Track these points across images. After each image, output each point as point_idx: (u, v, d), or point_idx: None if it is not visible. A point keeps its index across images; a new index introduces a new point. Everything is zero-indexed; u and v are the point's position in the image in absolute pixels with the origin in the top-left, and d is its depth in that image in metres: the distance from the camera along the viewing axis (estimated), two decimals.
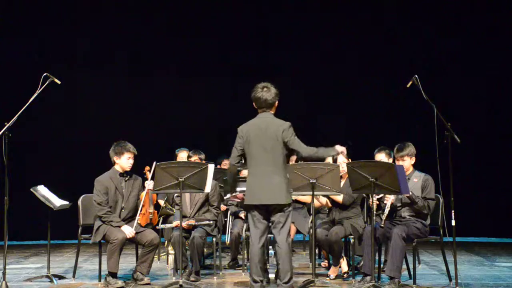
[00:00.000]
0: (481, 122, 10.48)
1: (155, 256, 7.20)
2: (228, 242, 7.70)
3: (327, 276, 6.73)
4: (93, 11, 10.80)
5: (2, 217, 6.22)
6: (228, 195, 7.11)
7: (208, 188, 6.31)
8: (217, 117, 10.86)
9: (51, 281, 6.63)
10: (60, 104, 10.57)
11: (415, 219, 6.24)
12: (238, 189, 6.71)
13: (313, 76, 10.79)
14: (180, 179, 6.11)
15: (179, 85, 10.87)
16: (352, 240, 6.66)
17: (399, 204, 6.29)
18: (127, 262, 7.68)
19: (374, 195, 6.10)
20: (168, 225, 7.01)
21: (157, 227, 7.02)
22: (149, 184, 6.54)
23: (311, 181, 6.23)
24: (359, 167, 5.91)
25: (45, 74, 6.49)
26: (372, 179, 5.82)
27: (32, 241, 10.26)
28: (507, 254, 8.78)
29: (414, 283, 6.20)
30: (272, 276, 6.45)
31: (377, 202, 6.26)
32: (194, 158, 7.37)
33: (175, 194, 6.99)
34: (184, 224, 6.56)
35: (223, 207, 7.83)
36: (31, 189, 6.85)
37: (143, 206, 6.57)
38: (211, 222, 6.80)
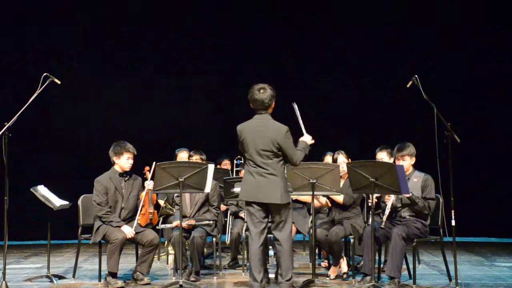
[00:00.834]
0: (481, 122, 10.47)
1: (155, 256, 7.19)
2: (228, 242, 7.70)
3: (327, 276, 6.73)
4: (93, 11, 10.80)
5: (2, 217, 6.22)
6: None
7: (208, 188, 6.31)
8: (217, 117, 10.86)
9: (51, 281, 6.63)
10: (60, 104, 10.57)
11: (415, 219, 6.24)
12: (236, 189, 6.71)
13: (313, 76, 10.78)
14: (180, 179, 6.11)
15: (179, 85, 10.87)
16: (352, 240, 6.67)
17: (399, 205, 6.29)
18: (127, 262, 7.68)
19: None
20: (168, 225, 7.01)
21: (157, 227, 7.02)
22: (149, 184, 6.54)
23: (311, 181, 6.23)
24: (359, 167, 5.92)
25: (45, 74, 6.49)
26: (372, 179, 5.82)
27: (32, 241, 10.26)
28: (507, 254, 8.78)
29: (414, 283, 6.20)
30: (272, 276, 6.45)
31: (376, 200, 6.25)
32: (195, 158, 7.37)
33: (175, 194, 6.99)
34: (184, 224, 6.56)
35: (223, 207, 7.83)
36: (31, 189, 6.85)
37: (143, 206, 6.57)
38: (211, 222, 6.80)
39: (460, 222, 6.37)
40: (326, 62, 10.85)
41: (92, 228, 6.59)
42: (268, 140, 5.54)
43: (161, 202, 7.39)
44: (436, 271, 7.29)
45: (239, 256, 7.51)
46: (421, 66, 10.19)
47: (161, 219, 7.40)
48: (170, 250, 7.36)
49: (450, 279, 6.49)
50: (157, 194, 7.15)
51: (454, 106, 9.73)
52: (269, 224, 5.76)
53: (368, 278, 6.07)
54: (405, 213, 6.28)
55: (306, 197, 7.09)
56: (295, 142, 5.72)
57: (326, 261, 7.43)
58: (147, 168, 6.64)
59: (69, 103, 10.69)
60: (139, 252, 6.78)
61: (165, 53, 10.97)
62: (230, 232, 7.63)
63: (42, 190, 6.87)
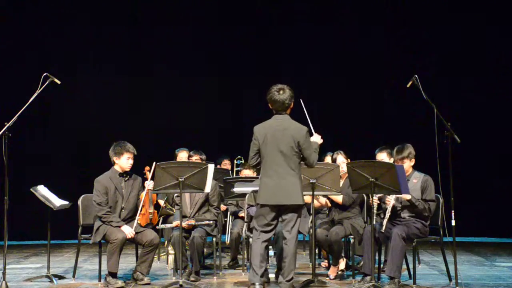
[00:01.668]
0: (481, 122, 10.47)
1: (155, 256, 7.19)
2: (228, 242, 7.70)
3: (327, 276, 6.73)
4: (93, 11, 10.80)
5: (2, 217, 6.22)
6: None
7: (208, 188, 6.31)
8: (217, 117, 10.86)
9: (51, 281, 6.63)
10: (59, 104, 10.56)
11: (415, 219, 6.23)
12: (236, 189, 6.71)
13: (313, 76, 10.78)
14: (180, 179, 6.11)
15: (179, 85, 10.87)
16: (352, 240, 6.67)
17: (399, 207, 6.28)
18: (127, 262, 7.68)
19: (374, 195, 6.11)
20: (168, 225, 7.01)
21: (157, 227, 7.02)
22: (149, 184, 6.54)
23: (311, 181, 6.23)
24: (359, 167, 5.92)
25: (45, 74, 6.48)
26: (372, 179, 5.82)
27: (32, 241, 10.26)
28: (507, 254, 8.78)
29: (414, 283, 6.20)
30: (272, 276, 6.45)
31: (378, 202, 6.26)
32: (195, 158, 7.37)
33: (175, 194, 6.99)
34: (184, 224, 6.56)
35: (223, 207, 7.83)
36: (31, 189, 6.85)
37: (143, 206, 6.57)
38: (211, 222, 6.79)
39: (460, 222, 6.37)
40: (326, 62, 10.84)
41: (92, 228, 6.59)
42: (290, 139, 5.63)
43: (161, 202, 7.39)
44: (436, 271, 7.29)
45: (239, 256, 7.51)
46: (421, 66, 10.19)
47: (161, 219, 7.40)
48: (170, 250, 7.36)
49: (450, 279, 6.48)
50: (157, 194, 7.15)
51: (454, 106, 9.74)
52: (275, 224, 5.77)
53: (368, 278, 6.07)
54: (405, 213, 6.28)
55: (305, 197, 7.06)
56: None
57: (326, 261, 7.43)
58: (147, 168, 6.64)
59: (69, 103, 10.69)
60: (139, 252, 6.78)
61: (165, 53, 10.97)
62: (230, 232, 7.63)
63: (42, 190, 6.86)
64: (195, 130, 10.49)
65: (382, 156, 6.79)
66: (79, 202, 6.88)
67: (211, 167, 6.28)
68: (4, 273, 6.17)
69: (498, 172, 10.44)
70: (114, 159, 6.61)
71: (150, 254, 6.49)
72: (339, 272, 6.72)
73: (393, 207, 6.25)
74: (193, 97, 10.92)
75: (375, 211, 6.22)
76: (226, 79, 10.92)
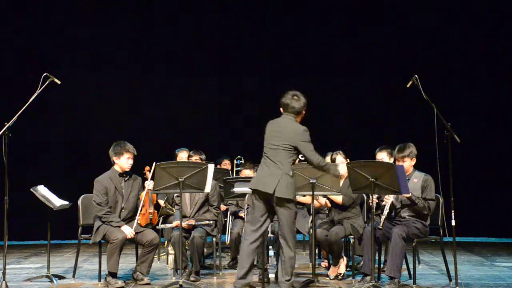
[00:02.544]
0: (481, 122, 10.48)
1: (155, 256, 7.19)
2: (228, 242, 7.69)
3: (327, 276, 6.73)
4: (93, 11, 10.80)
5: (2, 217, 6.22)
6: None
7: (208, 188, 6.31)
8: (217, 117, 10.86)
9: (51, 281, 6.63)
10: (60, 104, 10.57)
11: (415, 219, 6.23)
12: (236, 189, 6.71)
13: (313, 76, 10.78)
14: (180, 179, 6.11)
15: (179, 85, 10.87)
16: (352, 240, 6.67)
17: (398, 205, 6.29)
18: (127, 262, 7.68)
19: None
20: (168, 225, 7.01)
21: (157, 227, 7.02)
22: (149, 184, 6.54)
23: (311, 181, 6.23)
24: (359, 167, 5.92)
25: (45, 74, 6.48)
26: (372, 179, 5.82)
27: (32, 241, 10.26)
28: (507, 254, 8.78)
29: (414, 283, 6.20)
30: (272, 276, 6.44)
31: (376, 201, 6.26)
32: (195, 158, 7.37)
33: (175, 194, 6.99)
34: (184, 224, 6.56)
35: (223, 207, 7.83)
36: (31, 189, 6.85)
37: (143, 206, 6.57)
38: (211, 222, 6.79)
39: (460, 222, 6.37)
40: (326, 62, 10.84)
41: (92, 228, 6.59)
42: (286, 137, 5.70)
43: (161, 202, 7.39)
44: (436, 271, 7.29)
45: (239, 256, 7.49)
46: (421, 66, 10.19)
47: (161, 219, 7.40)
48: (170, 250, 7.36)
49: (450, 279, 6.48)
50: (157, 194, 7.15)
51: (454, 106, 9.74)
52: (267, 224, 5.81)
53: (368, 278, 6.07)
54: (405, 213, 6.28)
55: (305, 198, 7.08)
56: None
57: (326, 261, 7.42)
58: (147, 168, 6.64)
59: (69, 103, 10.69)
60: (139, 252, 6.78)
61: (165, 53, 10.97)
62: (230, 232, 7.63)
63: (42, 190, 6.86)
64: (195, 130, 10.49)
65: (382, 156, 6.79)
66: (79, 202, 6.88)
67: (211, 167, 6.28)
68: (4, 273, 6.17)
69: (498, 172, 10.43)
70: (114, 159, 6.61)
71: (150, 254, 6.49)
72: (339, 276, 6.69)
73: (393, 206, 6.25)
74: (193, 97, 10.92)
75: (374, 211, 6.22)
76: (226, 79, 10.92)
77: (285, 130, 5.73)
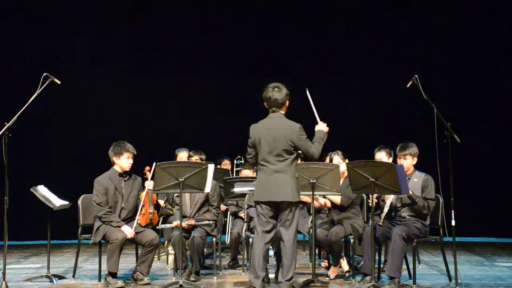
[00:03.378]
0: (481, 122, 10.47)
1: (155, 256, 7.19)
2: (228, 242, 7.70)
3: (327, 276, 6.73)
4: (93, 11, 10.80)
5: (2, 217, 6.22)
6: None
7: (208, 188, 6.31)
8: (217, 117, 10.85)
9: (51, 281, 6.63)
10: (60, 104, 10.56)
11: (415, 219, 6.24)
12: (236, 189, 6.71)
13: (313, 76, 10.78)
14: (180, 179, 6.11)
15: (179, 85, 10.87)
16: (352, 240, 6.67)
17: (399, 204, 6.29)
18: (127, 262, 7.68)
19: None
20: (168, 225, 7.01)
21: (157, 227, 7.02)
22: (149, 184, 6.54)
23: (311, 181, 6.23)
24: (359, 167, 5.91)
25: (45, 74, 6.49)
26: (372, 179, 5.82)
27: (32, 241, 10.26)
28: (507, 254, 8.79)
29: (414, 283, 6.20)
30: (272, 276, 6.44)
31: (376, 201, 6.25)
32: (195, 158, 7.37)
33: (175, 194, 6.99)
34: (184, 224, 6.56)
35: (223, 207, 7.83)
36: (31, 189, 6.85)
37: (143, 206, 6.57)
38: (211, 222, 6.80)
39: (460, 222, 6.37)
40: (326, 62, 10.84)
41: (92, 228, 6.59)
42: (281, 137, 5.62)
43: (161, 202, 7.39)
44: (436, 271, 7.29)
45: (239, 256, 7.51)
46: (421, 66, 10.19)
47: (161, 219, 7.40)
48: (170, 250, 7.36)
49: (450, 279, 6.49)
50: (157, 194, 7.15)
51: (454, 106, 9.74)
52: (276, 224, 5.76)
53: (368, 278, 6.07)
54: (405, 213, 6.28)
55: (305, 197, 7.08)
56: (311, 133, 5.79)
57: (326, 261, 7.43)
58: (147, 168, 6.64)
59: (69, 103, 10.69)
60: (139, 252, 6.78)
61: (165, 53, 10.96)
62: (230, 232, 7.63)
63: (42, 190, 6.86)
64: (195, 130, 10.49)
65: (381, 156, 6.79)
66: (79, 202, 6.88)
67: (211, 167, 6.28)
68: (4, 273, 6.17)
69: (498, 172, 10.43)
70: (114, 159, 6.61)
71: (150, 254, 6.49)
72: (346, 274, 6.70)
73: (393, 205, 6.25)
74: (193, 97, 10.92)
75: (373, 210, 6.21)
76: (226, 79, 10.91)
77: (280, 132, 5.63)
